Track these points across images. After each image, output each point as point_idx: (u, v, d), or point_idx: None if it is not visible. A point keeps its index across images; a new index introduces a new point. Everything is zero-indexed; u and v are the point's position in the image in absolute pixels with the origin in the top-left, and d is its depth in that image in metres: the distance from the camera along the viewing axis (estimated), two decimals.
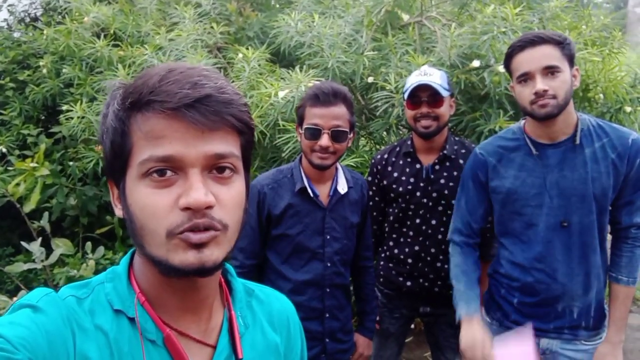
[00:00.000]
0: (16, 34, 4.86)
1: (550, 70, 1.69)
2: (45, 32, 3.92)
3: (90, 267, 3.09)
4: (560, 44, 1.70)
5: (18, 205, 3.34)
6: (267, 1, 4.03)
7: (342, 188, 1.97)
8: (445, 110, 2.13)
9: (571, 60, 1.74)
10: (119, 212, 0.73)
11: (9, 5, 5.09)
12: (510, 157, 1.88)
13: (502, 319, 1.95)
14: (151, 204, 0.66)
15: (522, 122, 1.93)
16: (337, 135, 1.83)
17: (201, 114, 0.64)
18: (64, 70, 3.87)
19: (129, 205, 0.68)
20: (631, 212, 1.80)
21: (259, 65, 3.10)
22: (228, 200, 0.69)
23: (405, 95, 2.14)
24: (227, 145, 0.68)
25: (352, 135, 1.92)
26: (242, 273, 1.90)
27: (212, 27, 3.58)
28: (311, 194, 1.91)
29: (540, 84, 1.69)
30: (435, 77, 2.09)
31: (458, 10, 3.16)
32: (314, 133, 1.83)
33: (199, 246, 0.66)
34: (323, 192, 1.95)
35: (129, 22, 3.81)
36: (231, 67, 3.25)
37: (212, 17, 3.85)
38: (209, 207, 0.65)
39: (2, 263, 3.91)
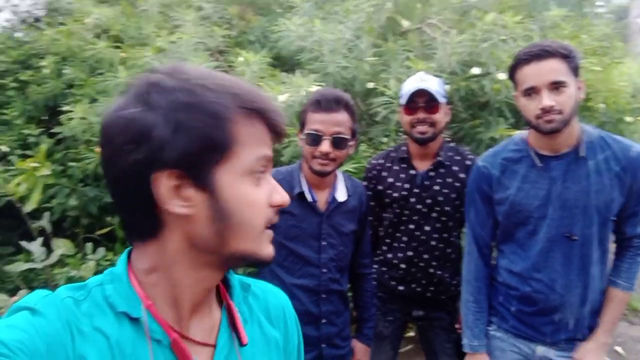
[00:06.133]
0: (19, 34, 4.89)
1: (556, 85, 1.68)
2: (46, 32, 3.93)
3: (90, 267, 3.10)
4: (567, 57, 1.69)
5: (19, 205, 3.35)
6: (269, 5, 4.05)
7: (341, 195, 1.98)
8: (442, 116, 2.14)
9: (576, 72, 1.73)
10: (179, 208, 0.68)
11: (13, 6, 5.09)
12: (514, 168, 1.88)
13: (499, 323, 1.96)
14: (256, 199, 0.72)
15: (524, 133, 1.93)
16: (338, 142, 1.83)
17: (282, 124, 0.75)
18: (65, 71, 3.89)
19: (226, 201, 0.69)
20: (635, 223, 1.82)
21: (260, 69, 3.12)
22: None
23: (402, 101, 2.15)
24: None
25: (353, 142, 1.93)
26: None
27: (213, 31, 3.60)
28: (310, 200, 1.92)
29: (546, 99, 1.68)
30: (432, 84, 2.10)
31: (459, 18, 3.17)
32: (315, 139, 1.83)
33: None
34: (321, 199, 1.96)
35: (130, 24, 3.83)
36: (232, 70, 3.27)
37: (213, 20, 3.87)
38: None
39: (2, 262, 3.92)
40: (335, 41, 2.94)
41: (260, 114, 0.72)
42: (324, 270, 1.94)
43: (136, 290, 0.72)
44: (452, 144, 2.35)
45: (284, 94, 2.57)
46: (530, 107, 1.75)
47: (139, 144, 0.66)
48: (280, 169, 2.03)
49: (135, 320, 0.71)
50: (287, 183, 1.94)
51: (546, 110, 1.69)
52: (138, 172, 0.67)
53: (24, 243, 2.98)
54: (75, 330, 0.67)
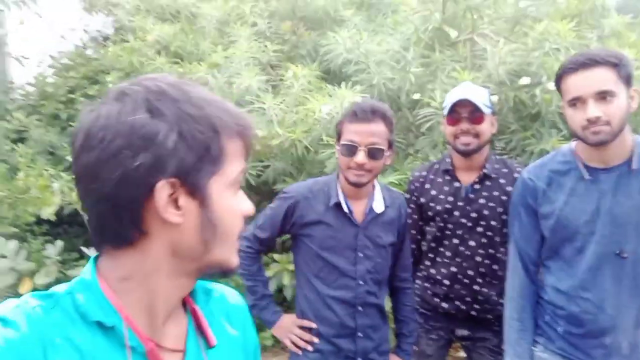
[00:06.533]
0: (89, 52, 5.22)
1: (603, 95, 1.59)
2: (110, 49, 4.17)
3: None
4: (616, 65, 1.60)
5: (82, 213, 3.54)
6: (321, 20, 4.10)
7: (378, 207, 1.96)
8: (486, 127, 2.08)
9: (628, 81, 1.63)
10: (173, 216, 0.68)
11: (85, 25, 5.45)
12: (561, 181, 1.79)
13: (546, 343, 1.86)
14: (238, 210, 0.76)
15: (572, 144, 1.83)
16: (373, 153, 1.82)
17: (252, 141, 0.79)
18: None
19: (214, 211, 0.72)
20: None
21: (309, 82, 3.16)
22: None
23: (445, 111, 2.11)
24: None
25: (389, 153, 1.91)
26: (250, 256, 2.01)
27: (265, 46, 3.69)
28: (345, 210, 1.91)
29: (592, 110, 1.59)
30: (476, 94, 2.05)
31: (511, 27, 3.08)
32: (350, 149, 1.83)
33: None
34: (358, 210, 1.94)
35: (188, 41, 3.99)
36: (282, 83, 3.33)
37: (267, 36, 3.97)
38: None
39: (67, 267, 4.14)
40: (382, 53, 2.93)
41: (244, 132, 0.76)
42: (360, 283, 1.92)
43: (109, 299, 0.71)
44: (499, 156, 2.27)
45: (328, 106, 2.59)
46: (576, 118, 1.66)
47: (143, 150, 0.66)
48: (318, 180, 2.03)
49: (109, 330, 0.70)
50: (324, 193, 1.94)
51: (592, 121, 1.60)
52: (138, 178, 0.66)
53: (83, 249, 3.14)
54: (47, 341, 0.66)
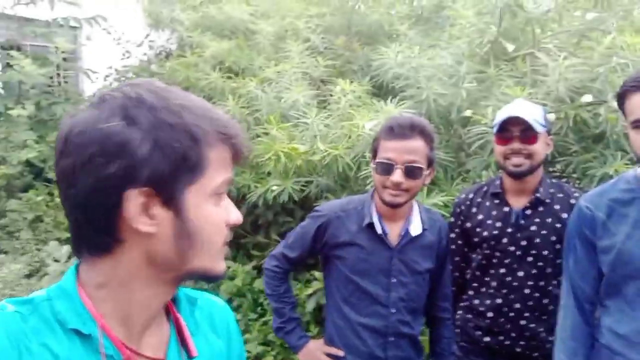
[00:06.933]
0: (153, 67, 5.40)
1: None
2: (168, 64, 4.28)
3: None
4: None
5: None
6: (375, 35, 4.02)
7: (415, 229, 1.83)
8: (540, 147, 1.91)
9: None
10: (145, 226, 0.68)
11: (150, 41, 5.66)
12: (623, 211, 1.58)
13: None
14: (219, 219, 0.74)
15: (638, 169, 1.63)
16: (411, 171, 1.70)
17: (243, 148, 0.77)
18: None
19: (191, 221, 0.71)
20: None
21: (359, 97, 3.08)
22: None
23: (495, 129, 1.96)
24: None
25: (429, 171, 1.78)
26: (277, 275, 1.90)
27: (317, 61, 3.65)
28: (379, 232, 1.80)
29: None
30: (529, 111, 1.89)
31: (577, 42, 2.87)
32: (387, 168, 1.72)
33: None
34: (394, 232, 1.83)
35: (243, 56, 4.03)
36: (330, 98, 3.27)
37: (320, 51, 3.94)
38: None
39: None
40: (434, 67, 2.81)
41: (229, 139, 0.74)
42: (393, 311, 1.79)
43: (87, 307, 0.71)
44: (554, 180, 2.08)
45: (371, 122, 2.49)
46: (639, 143, 1.47)
47: (115, 158, 0.66)
48: (353, 198, 1.94)
49: (86, 337, 0.70)
50: (357, 213, 1.84)
51: None
52: (109, 186, 0.66)
53: None
54: (23, 347, 0.66)
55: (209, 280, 0.78)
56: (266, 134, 3.01)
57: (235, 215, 0.78)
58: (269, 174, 3.09)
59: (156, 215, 0.69)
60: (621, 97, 1.54)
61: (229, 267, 3.75)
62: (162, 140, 0.67)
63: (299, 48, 3.75)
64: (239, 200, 3.37)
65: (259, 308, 3.50)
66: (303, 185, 2.99)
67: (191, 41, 4.64)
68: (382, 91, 3.47)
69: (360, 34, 4.10)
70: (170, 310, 0.82)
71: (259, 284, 3.47)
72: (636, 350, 1.54)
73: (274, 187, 2.96)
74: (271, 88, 3.48)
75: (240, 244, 3.90)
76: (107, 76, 5.48)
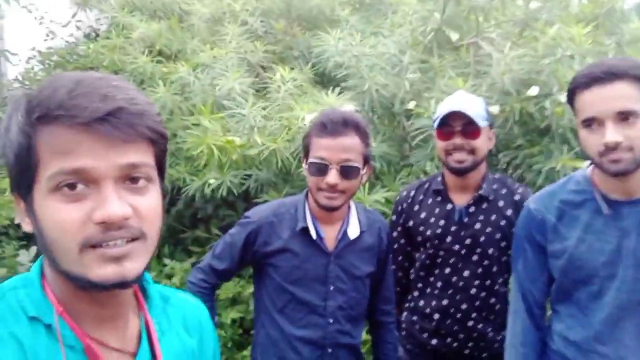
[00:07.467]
0: (82, 48, 5.01)
1: (625, 116, 1.31)
2: (92, 46, 3.96)
3: None
4: None
5: None
6: (316, 20, 3.85)
7: (353, 231, 1.70)
8: (483, 142, 1.82)
9: None
10: (27, 227, 0.71)
11: (77, 21, 5.25)
12: (574, 214, 1.51)
13: None
14: (62, 219, 0.66)
15: (588, 169, 1.53)
16: (346, 172, 1.57)
17: (113, 126, 0.65)
18: None
19: (39, 221, 0.68)
20: None
21: (300, 85, 2.92)
22: (146, 209, 0.70)
23: (435, 124, 1.85)
24: (141, 155, 0.69)
25: (365, 170, 1.66)
26: (202, 291, 1.66)
27: (255, 46, 3.45)
28: (314, 236, 1.65)
29: (611, 134, 1.31)
30: (471, 104, 1.80)
31: (520, 31, 2.81)
32: (320, 168, 1.57)
33: (118, 259, 0.67)
34: (330, 235, 1.69)
35: (175, 39, 3.77)
36: (269, 86, 3.09)
37: (259, 35, 3.73)
38: (126, 218, 0.67)
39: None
40: (378, 57, 2.67)
41: (56, 119, 0.65)
42: (331, 321, 1.66)
43: (48, 296, 0.72)
44: (497, 175, 2.01)
45: (311, 114, 2.33)
46: (591, 142, 1.38)
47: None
48: (285, 201, 1.78)
49: (48, 326, 0.70)
50: (290, 217, 1.69)
51: (611, 148, 1.32)
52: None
53: None
54: None
55: (95, 288, 0.69)
56: (197, 125, 2.79)
57: (101, 212, 0.65)
58: (205, 165, 2.88)
59: (28, 216, 0.71)
60: (571, 94, 1.44)
61: (165, 265, 3.54)
62: (5, 146, 0.69)
63: (236, 31, 3.53)
64: (174, 193, 3.16)
65: None
66: (243, 178, 2.81)
67: (121, 21, 4.31)
68: (324, 79, 3.33)
69: (301, 18, 3.91)
70: (140, 307, 0.81)
71: None
72: (588, 358, 1.48)
73: (212, 181, 2.76)
74: (205, 74, 3.25)
75: (178, 239, 3.68)
76: (30, 58, 5.05)
